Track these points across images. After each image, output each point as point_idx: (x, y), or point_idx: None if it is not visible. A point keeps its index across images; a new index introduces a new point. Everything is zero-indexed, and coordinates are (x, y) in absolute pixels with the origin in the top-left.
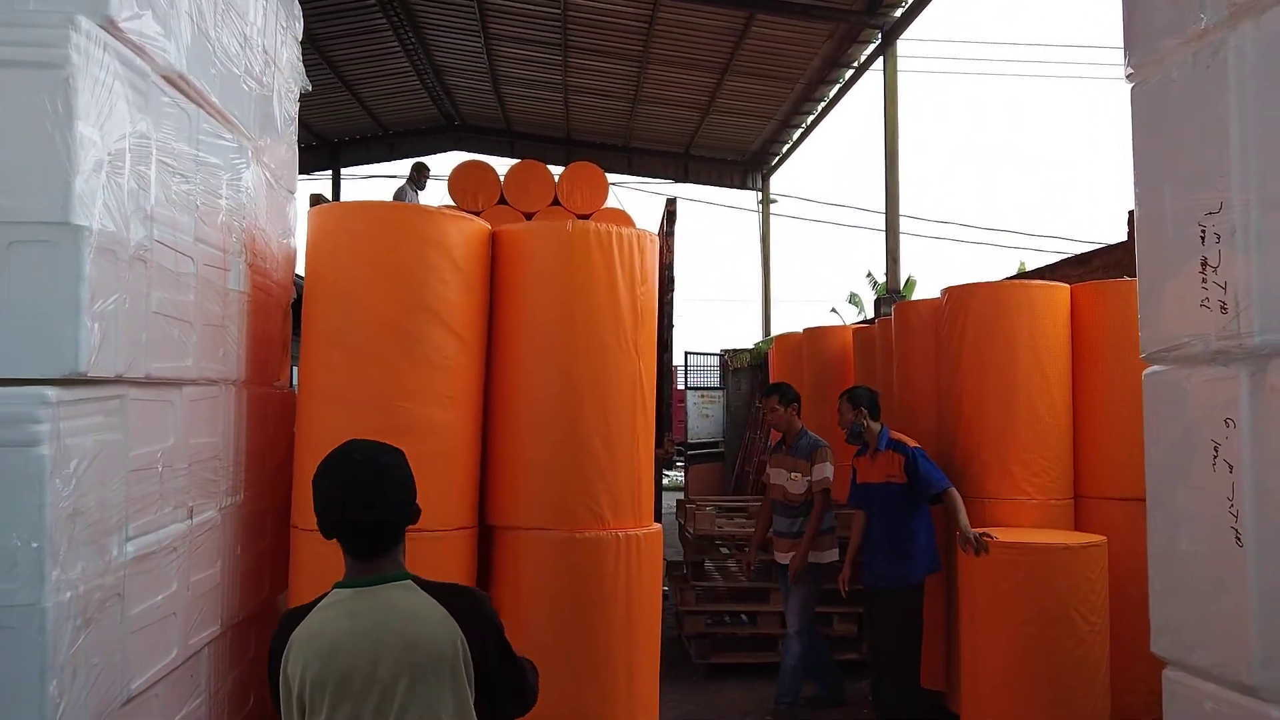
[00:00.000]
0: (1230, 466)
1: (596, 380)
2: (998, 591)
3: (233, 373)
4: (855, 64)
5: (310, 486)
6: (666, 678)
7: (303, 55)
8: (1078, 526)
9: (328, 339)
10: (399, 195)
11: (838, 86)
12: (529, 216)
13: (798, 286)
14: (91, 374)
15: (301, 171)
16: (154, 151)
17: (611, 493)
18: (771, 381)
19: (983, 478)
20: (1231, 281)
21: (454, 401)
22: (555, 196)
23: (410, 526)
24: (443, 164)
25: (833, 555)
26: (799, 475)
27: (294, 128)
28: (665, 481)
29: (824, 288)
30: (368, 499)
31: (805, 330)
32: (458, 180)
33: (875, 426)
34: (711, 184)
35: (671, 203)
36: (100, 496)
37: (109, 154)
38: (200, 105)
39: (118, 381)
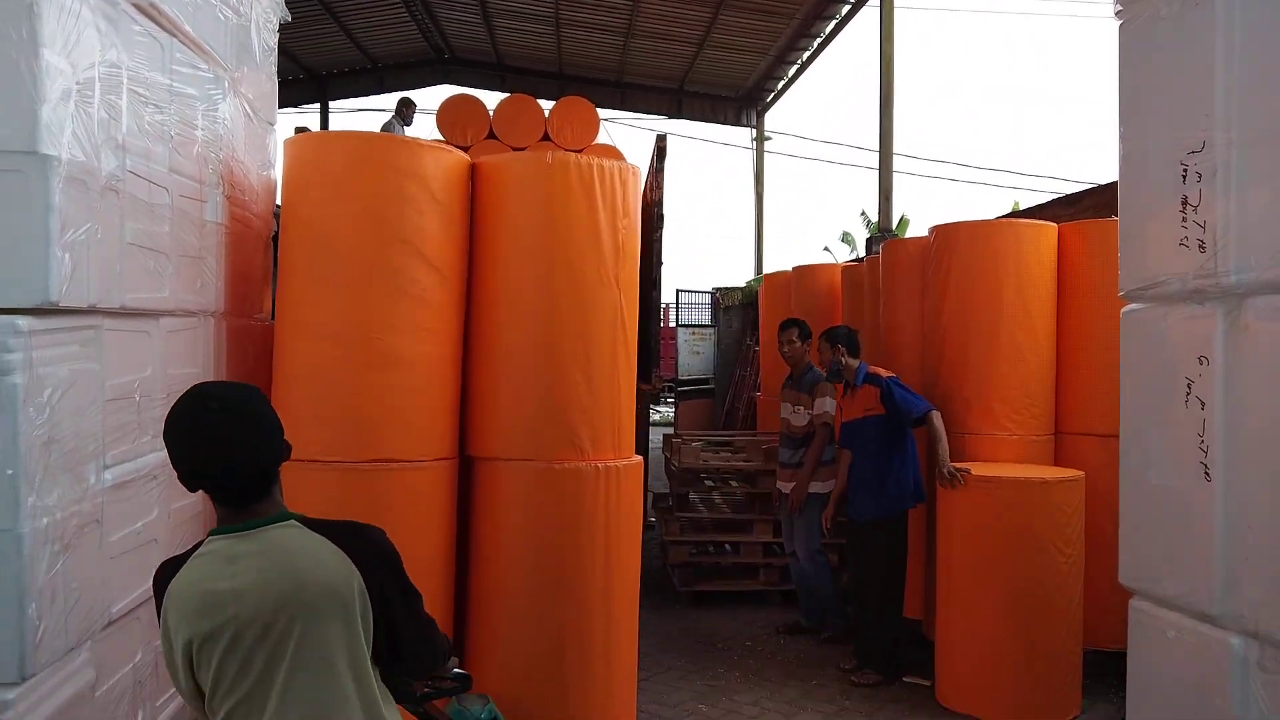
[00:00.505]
0: (1202, 403)
1: (576, 313)
2: (974, 524)
3: (211, 304)
4: (850, 1)
5: (307, 417)
6: (651, 605)
7: None
8: (1057, 462)
9: (304, 272)
10: (385, 130)
11: (834, 22)
12: (518, 151)
13: (792, 225)
14: (64, 304)
15: (288, 105)
16: (125, 81)
17: (591, 424)
18: (761, 319)
19: (964, 414)
20: (1210, 221)
21: (434, 334)
22: (545, 131)
23: (383, 457)
24: (433, 99)
25: (833, 486)
26: (801, 408)
27: (273, 59)
28: (656, 417)
29: (818, 226)
30: (230, 446)
31: (794, 269)
32: (446, 114)
33: (853, 363)
34: (706, 120)
35: (661, 139)
36: (76, 425)
37: (77, 83)
38: (174, 34)
39: (92, 312)
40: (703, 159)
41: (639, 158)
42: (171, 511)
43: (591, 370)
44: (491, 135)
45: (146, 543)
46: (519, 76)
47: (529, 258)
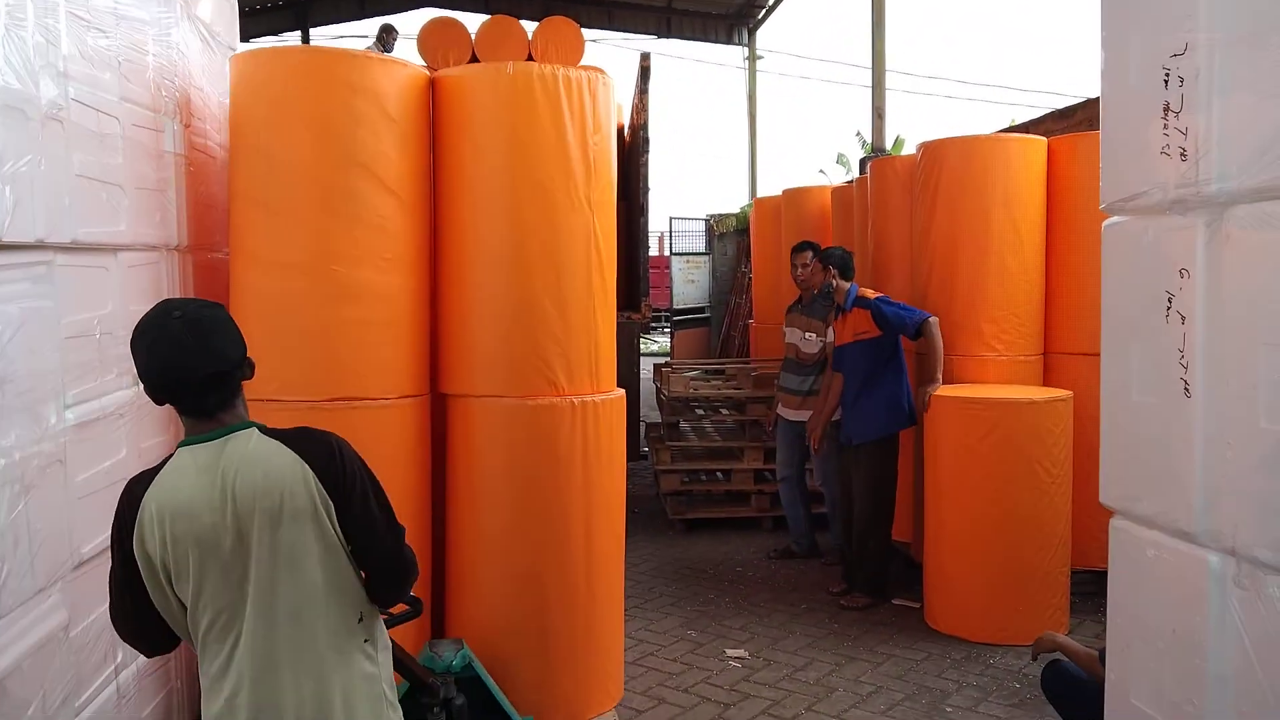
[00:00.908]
0: (1183, 318)
1: (545, 238)
2: (961, 446)
3: (174, 238)
4: None
5: (265, 354)
6: (644, 533)
7: None
8: (1046, 382)
9: (254, 200)
10: None
11: None
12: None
13: (788, 147)
14: (7, 239)
15: (267, 32)
16: (61, 3)
17: (565, 357)
18: (752, 246)
19: (952, 335)
20: (1192, 127)
21: (394, 264)
22: (530, 54)
23: (346, 395)
24: (414, 24)
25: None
26: (814, 335)
27: None
28: (654, 347)
29: (813, 148)
30: (191, 353)
31: (784, 192)
32: (427, 39)
33: (845, 285)
34: (696, 39)
35: (645, 58)
36: (31, 364)
37: (6, 4)
38: None
39: (40, 247)
40: (695, 80)
41: (626, 79)
42: (141, 450)
43: (564, 300)
44: (474, 59)
45: (116, 482)
46: None
47: (492, 180)
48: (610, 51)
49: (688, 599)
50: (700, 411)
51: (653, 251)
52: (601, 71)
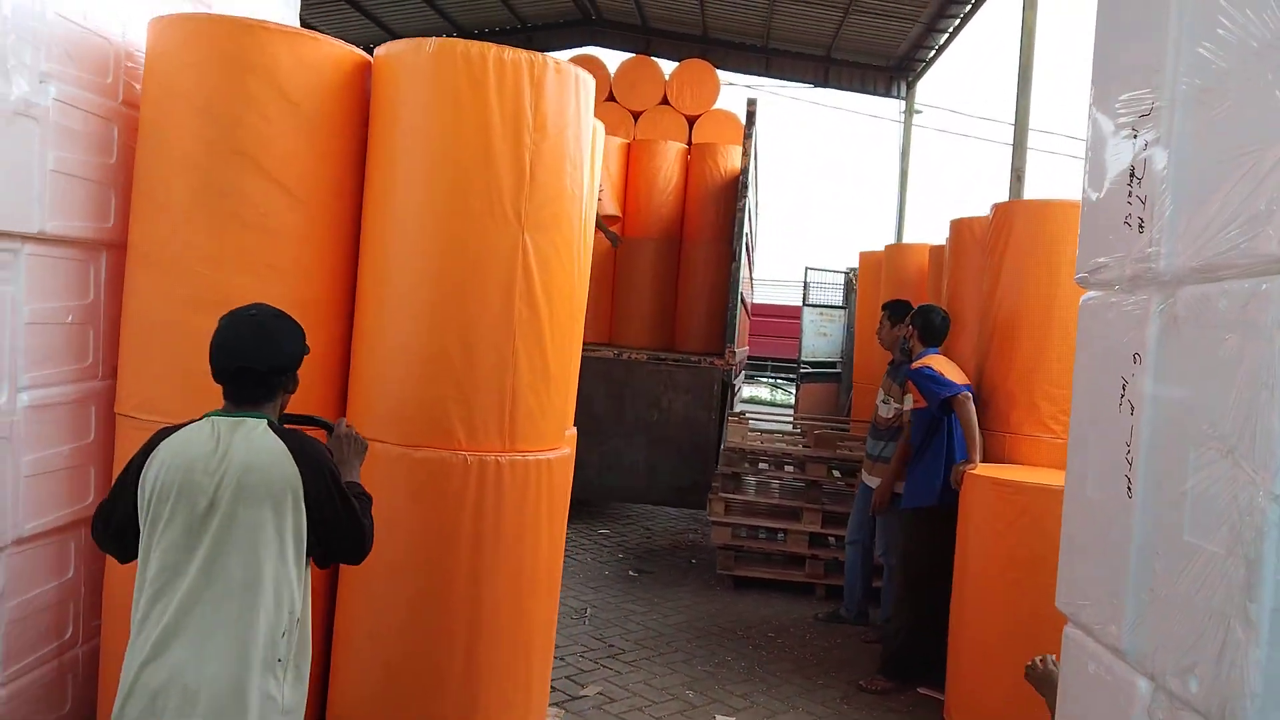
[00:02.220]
0: (1132, 407)
1: (453, 257)
2: (990, 530)
3: None
4: None
5: (133, 364)
6: (690, 585)
7: None
8: None
9: (139, 188)
10: None
11: None
12: (636, 115)
13: (937, 201)
14: None
15: None
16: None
17: (466, 404)
18: (858, 302)
19: (1007, 410)
20: (1150, 195)
21: (277, 271)
22: (665, 95)
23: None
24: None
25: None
26: (891, 399)
27: None
28: (777, 397)
29: (964, 204)
30: (236, 349)
31: (885, 248)
32: None
33: (919, 348)
34: (854, 90)
35: (751, 104)
36: None
37: None
38: None
39: (6, 235)
40: (847, 130)
41: (781, 127)
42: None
43: (469, 334)
44: (611, 98)
45: (75, 466)
46: (663, 39)
47: (402, 180)
48: (764, 98)
49: (703, 657)
50: (764, 466)
51: (770, 300)
52: (561, 63)
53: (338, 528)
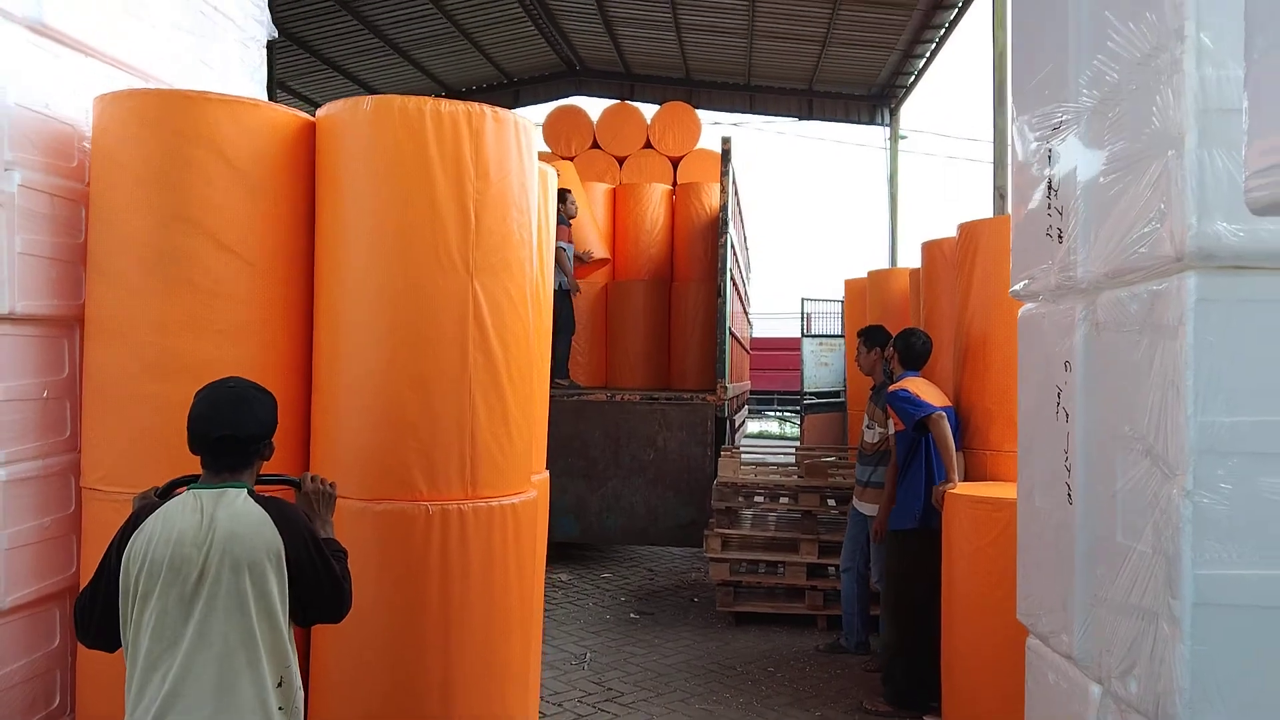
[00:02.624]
0: (1067, 415)
1: (403, 308)
2: (973, 548)
3: None
4: None
5: (94, 435)
6: (691, 623)
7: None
8: None
9: (91, 260)
10: None
11: (955, 11)
12: (621, 161)
13: (929, 224)
14: None
15: None
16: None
17: (426, 454)
18: (845, 328)
19: (985, 428)
20: (1065, 205)
21: (229, 336)
22: (648, 139)
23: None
24: (596, 110)
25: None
26: (875, 424)
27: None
28: (786, 430)
29: (955, 226)
30: (214, 419)
31: (869, 274)
32: (552, 125)
33: (900, 371)
34: (838, 120)
35: (725, 141)
36: None
37: None
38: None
39: None
40: (836, 160)
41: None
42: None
43: (427, 384)
44: (595, 145)
45: (55, 537)
46: (647, 84)
47: (347, 236)
48: (750, 134)
49: (701, 695)
50: (760, 499)
51: (773, 334)
52: (500, 112)
53: (319, 588)
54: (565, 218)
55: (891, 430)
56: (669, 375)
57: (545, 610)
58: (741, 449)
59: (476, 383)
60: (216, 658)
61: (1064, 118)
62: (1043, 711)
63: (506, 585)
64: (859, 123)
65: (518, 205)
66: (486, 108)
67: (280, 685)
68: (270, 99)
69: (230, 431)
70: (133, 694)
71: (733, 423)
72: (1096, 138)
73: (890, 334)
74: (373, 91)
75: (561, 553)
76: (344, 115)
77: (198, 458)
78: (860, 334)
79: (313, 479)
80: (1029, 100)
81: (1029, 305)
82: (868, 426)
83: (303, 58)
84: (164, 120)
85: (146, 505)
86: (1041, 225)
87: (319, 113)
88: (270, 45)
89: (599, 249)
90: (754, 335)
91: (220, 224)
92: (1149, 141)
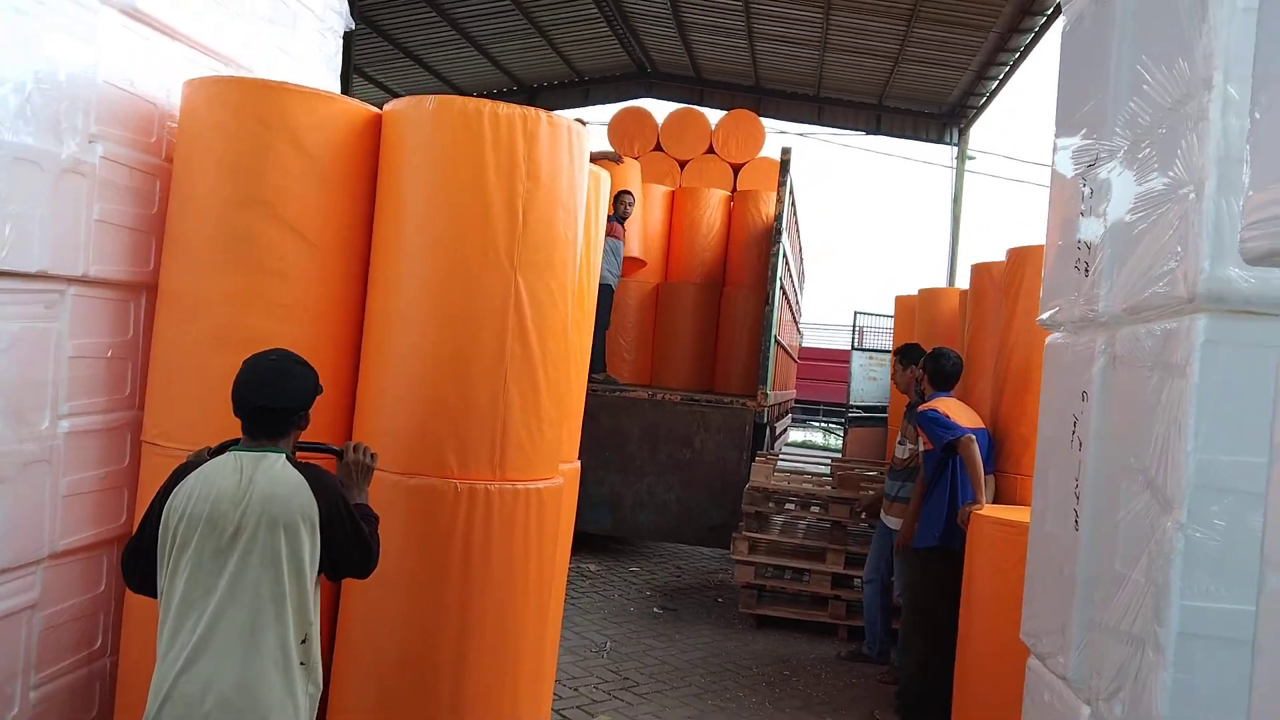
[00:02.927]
0: (1080, 443)
1: (447, 296)
2: (996, 570)
3: None
4: (1047, 12)
5: (157, 396)
6: (714, 623)
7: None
8: None
9: (170, 234)
10: None
11: (1031, 35)
12: (683, 164)
13: (990, 244)
14: (4, 267)
15: None
16: (99, 73)
17: (458, 435)
18: (893, 345)
19: (1020, 454)
20: (1093, 240)
21: (291, 312)
22: (711, 144)
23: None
24: (662, 112)
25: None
26: (907, 441)
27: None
28: (831, 441)
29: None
30: (255, 388)
31: (919, 292)
32: (617, 126)
33: (931, 391)
34: (906, 137)
35: (785, 152)
36: (23, 375)
37: (34, 77)
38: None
39: (45, 277)
40: (900, 176)
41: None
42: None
43: (464, 370)
44: (658, 147)
45: (111, 488)
46: (717, 90)
47: (403, 226)
48: (816, 146)
49: (714, 692)
50: (790, 507)
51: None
52: (554, 116)
53: (348, 547)
54: (620, 216)
55: (921, 448)
56: (713, 378)
57: (571, 598)
58: (779, 456)
59: (512, 372)
60: (247, 609)
61: (1099, 154)
62: None
63: (525, 565)
64: (927, 140)
65: (565, 206)
66: (542, 113)
67: (304, 642)
68: (346, 85)
69: (268, 402)
70: (165, 639)
71: (774, 429)
72: (1126, 176)
73: (925, 353)
74: (447, 83)
75: (593, 544)
76: (409, 111)
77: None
78: (897, 352)
79: (355, 449)
80: (1070, 133)
81: (1055, 334)
82: (900, 442)
83: (382, 46)
84: (246, 107)
85: (189, 463)
86: (1071, 258)
87: (386, 107)
88: (350, 33)
89: (634, 249)
90: (805, 345)
91: (290, 208)
92: (1173, 184)
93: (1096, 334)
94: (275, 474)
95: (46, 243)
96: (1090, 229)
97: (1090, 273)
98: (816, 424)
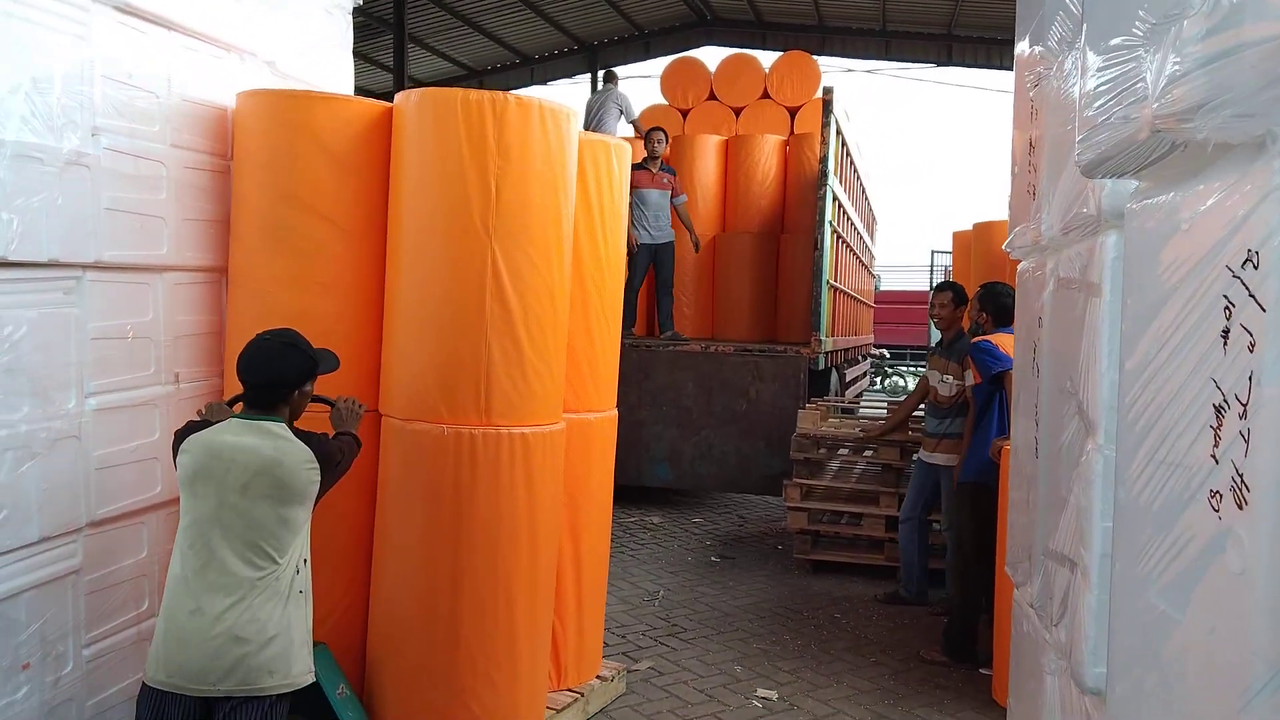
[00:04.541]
0: (1038, 369)
1: (436, 266)
2: None
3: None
4: None
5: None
6: (769, 568)
7: None
8: None
9: (232, 229)
10: (593, 102)
11: None
12: (738, 111)
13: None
14: (14, 258)
15: (562, 76)
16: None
17: (446, 385)
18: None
19: None
20: (1038, 162)
21: (328, 289)
22: (765, 89)
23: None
24: (712, 59)
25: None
26: (950, 378)
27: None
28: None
29: None
30: (255, 364)
31: (974, 226)
32: (670, 78)
33: (989, 328)
34: (980, 66)
35: (827, 92)
36: (47, 357)
37: (32, 77)
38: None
39: (57, 265)
40: (974, 108)
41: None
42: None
43: (451, 328)
44: (712, 96)
45: (143, 460)
46: (779, 32)
47: (403, 207)
48: (887, 81)
49: (761, 636)
50: (844, 452)
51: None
52: (524, 98)
53: (334, 478)
54: (651, 155)
55: (969, 382)
56: (775, 327)
57: (630, 550)
58: (854, 403)
59: (493, 330)
60: (240, 543)
61: (1040, 71)
62: (1020, 659)
63: (514, 503)
64: (1003, 69)
65: (541, 178)
66: (511, 95)
67: (299, 572)
68: (399, 58)
69: (258, 379)
70: (177, 560)
71: (843, 376)
72: (1059, 93)
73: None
74: (508, 47)
75: (657, 497)
76: (403, 104)
77: None
78: (947, 287)
79: (344, 400)
80: (1023, 50)
81: (1023, 264)
82: (940, 380)
83: (440, 16)
84: (277, 115)
85: (194, 423)
86: (1024, 182)
87: (395, 99)
88: (403, 3)
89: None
90: (885, 289)
91: (319, 199)
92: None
93: (1047, 259)
94: (275, 436)
95: (55, 233)
96: (1036, 152)
97: (1036, 195)
98: (905, 368)
